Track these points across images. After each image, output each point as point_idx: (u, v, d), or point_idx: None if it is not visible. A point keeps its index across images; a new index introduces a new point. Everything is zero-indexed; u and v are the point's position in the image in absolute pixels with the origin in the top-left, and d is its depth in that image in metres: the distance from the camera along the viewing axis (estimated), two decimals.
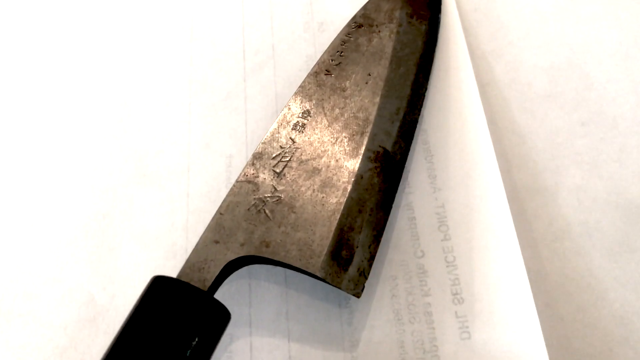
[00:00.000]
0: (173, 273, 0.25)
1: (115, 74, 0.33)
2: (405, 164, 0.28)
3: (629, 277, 0.27)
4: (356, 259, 0.25)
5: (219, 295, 0.24)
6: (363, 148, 0.27)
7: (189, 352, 0.21)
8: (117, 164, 0.30)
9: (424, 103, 0.30)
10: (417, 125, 0.30)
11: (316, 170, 0.26)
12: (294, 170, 0.26)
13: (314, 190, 0.26)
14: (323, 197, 0.26)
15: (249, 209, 0.25)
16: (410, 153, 0.29)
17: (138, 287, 0.28)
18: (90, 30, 0.34)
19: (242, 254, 0.25)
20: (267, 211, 0.25)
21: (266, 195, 0.26)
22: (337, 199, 0.26)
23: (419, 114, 0.29)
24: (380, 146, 0.27)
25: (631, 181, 0.29)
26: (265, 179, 0.26)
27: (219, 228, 0.25)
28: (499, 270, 0.27)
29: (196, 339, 0.21)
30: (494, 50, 0.32)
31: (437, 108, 0.30)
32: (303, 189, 0.26)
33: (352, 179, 0.26)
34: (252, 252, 0.24)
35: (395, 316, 0.26)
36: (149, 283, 0.22)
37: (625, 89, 0.31)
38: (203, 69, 0.33)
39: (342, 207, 0.25)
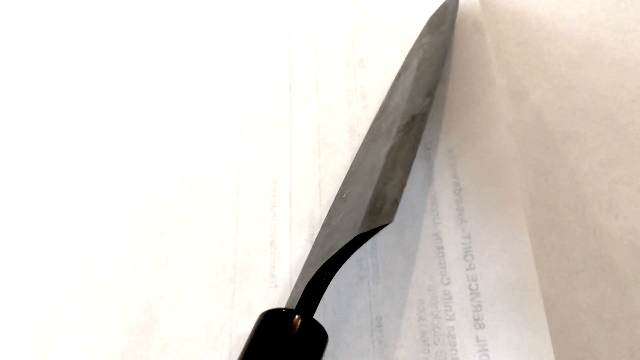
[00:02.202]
0: (222, 286, 0.29)
1: (174, 103, 0.35)
2: (428, 116, 0.29)
3: (637, 310, 0.29)
4: (389, 197, 0.26)
5: None
6: (396, 126, 0.29)
7: None
8: (175, 185, 0.33)
9: (456, 135, 0.32)
10: (448, 159, 0.32)
11: (366, 172, 0.29)
12: (350, 187, 0.29)
13: (364, 185, 0.28)
14: (370, 181, 0.28)
15: (322, 241, 0.28)
16: (439, 187, 0.31)
17: (191, 298, 0.30)
18: (153, 62, 0.37)
19: (315, 270, 0.26)
20: (332, 231, 0.28)
21: (333, 223, 0.28)
22: (375, 174, 0.27)
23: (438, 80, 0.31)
24: (409, 115, 0.29)
25: None
26: (336, 217, 0.28)
27: (305, 268, 0.28)
28: (517, 299, 0.29)
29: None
30: (521, 90, 0.34)
31: (468, 146, 0.32)
32: (358, 190, 0.28)
33: (386, 154, 0.28)
34: (321, 263, 0.26)
35: (422, 337, 0.29)
36: (259, 317, 0.25)
37: None
38: (253, 99, 0.35)
39: (377, 176, 0.27)
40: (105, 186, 0.32)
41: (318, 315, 0.29)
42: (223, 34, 0.37)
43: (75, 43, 0.37)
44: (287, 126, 0.34)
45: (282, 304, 0.30)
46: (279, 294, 0.30)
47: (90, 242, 0.31)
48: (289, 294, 0.30)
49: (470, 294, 0.29)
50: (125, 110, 0.35)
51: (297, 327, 0.24)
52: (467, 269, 0.29)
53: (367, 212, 0.26)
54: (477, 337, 0.28)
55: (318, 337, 0.25)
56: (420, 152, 0.32)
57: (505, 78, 0.35)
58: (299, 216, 0.32)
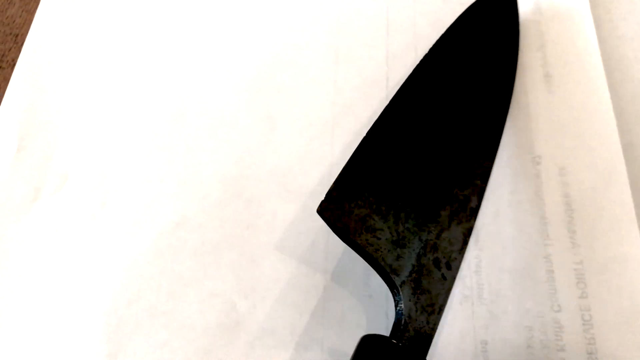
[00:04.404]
0: (312, 292, 0.27)
1: (262, 90, 0.32)
2: None
3: None
4: None
5: None
6: None
7: None
8: (262, 177, 0.30)
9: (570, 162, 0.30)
10: (560, 177, 0.29)
11: None
12: None
13: None
14: None
15: None
16: (550, 207, 0.28)
17: (278, 300, 0.27)
18: (244, 50, 0.34)
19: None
20: None
21: None
22: None
23: None
24: None
25: None
26: None
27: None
28: (637, 336, 0.26)
29: None
30: (637, 110, 0.31)
31: (579, 164, 0.29)
32: None
33: None
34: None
35: None
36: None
37: None
38: (346, 94, 0.32)
39: None
40: (187, 170, 0.29)
41: None
42: (316, 22, 0.34)
43: (167, 39, 0.34)
44: None
45: (377, 316, 0.27)
46: (373, 304, 0.27)
47: (170, 230, 0.28)
48: (384, 305, 0.27)
49: (583, 324, 0.26)
50: (211, 95, 0.32)
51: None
52: (580, 297, 0.26)
53: None
54: None
55: None
56: (529, 167, 0.29)
57: (620, 98, 0.32)
58: None
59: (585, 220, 0.28)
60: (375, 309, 0.27)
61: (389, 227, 0.25)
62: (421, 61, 0.31)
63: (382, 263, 0.24)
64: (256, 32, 0.34)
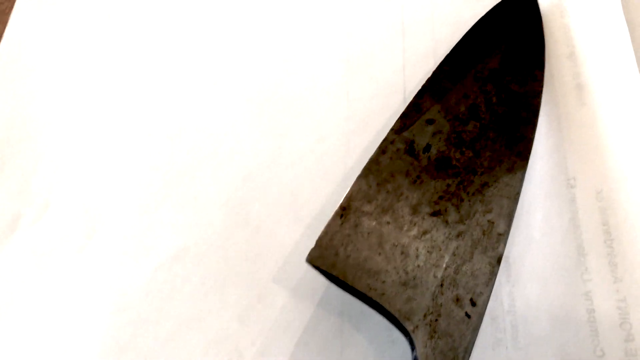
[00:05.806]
0: (329, 337, 0.23)
1: (268, 103, 0.28)
2: None
3: None
4: None
5: None
6: None
7: None
8: (270, 201, 0.26)
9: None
10: (597, 202, 0.26)
11: None
12: None
13: None
14: None
15: None
16: (587, 236, 0.25)
17: (290, 347, 0.24)
18: (246, 60, 0.30)
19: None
20: None
21: None
22: None
23: None
24: None
25: None
26: None
27: None
28: None
29: None
30: None
31: (618, 188, 0.26)
32: None
33: None
34: None
35: None
36: None
37: None
38: (361, 105, 0.29)
39: None
40: (185, 194, 0.26)
41: None
42: (324, 26, 0.30)
43: (162, 43, 0.30)
44: None
45: None
46: (396, 351, 0.23)
47: (167, 264, 0.24)
48: (408, 352, 0.23)
49: None
50: (212, 108, 0.28)
51: None
52: (626, 341, 0.23)
53: None
54: None
55: None
56: (563, 190, 0.26)
57: None
58: None
59: (627, 252, 0.25)
60: (398, 356, 0.23)
61: (394, 268, 0.22)
62: (437, 68, 0.27)
63: (389, 308, 0.21)
64: (260, 39, 0.30)
